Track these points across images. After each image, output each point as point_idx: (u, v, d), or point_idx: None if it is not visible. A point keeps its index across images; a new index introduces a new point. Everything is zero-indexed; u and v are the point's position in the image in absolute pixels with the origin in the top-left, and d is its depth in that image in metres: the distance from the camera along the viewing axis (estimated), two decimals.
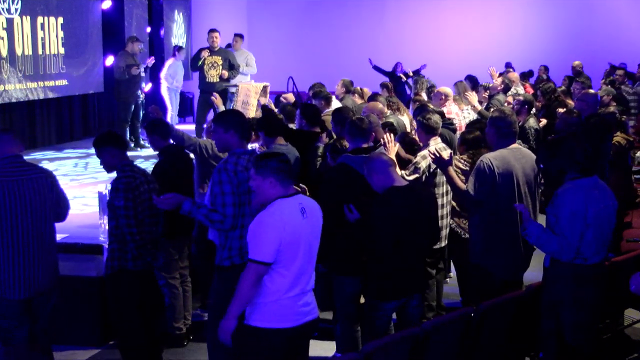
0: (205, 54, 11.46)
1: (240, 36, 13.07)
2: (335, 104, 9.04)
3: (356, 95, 9.90)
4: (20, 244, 4.80)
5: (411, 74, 14.30)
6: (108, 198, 5.14)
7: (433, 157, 5.41)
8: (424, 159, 5.97)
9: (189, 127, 12.65)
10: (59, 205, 5.08)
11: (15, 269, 4.80)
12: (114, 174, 5.16)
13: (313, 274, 4.21)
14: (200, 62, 11.49)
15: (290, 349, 4.11)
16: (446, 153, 5.56)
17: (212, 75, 11.52)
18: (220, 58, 11.58)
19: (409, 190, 4.91)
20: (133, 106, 12.16)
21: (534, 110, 9.45)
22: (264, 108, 8.54)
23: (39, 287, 4.91)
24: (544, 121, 9.18)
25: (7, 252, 4.78)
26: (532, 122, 8.37)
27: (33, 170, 4.97)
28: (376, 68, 15.20)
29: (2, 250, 4.78)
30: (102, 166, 5.21)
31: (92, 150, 5.32)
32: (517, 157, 5.27)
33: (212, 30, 11.86)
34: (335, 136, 6.41)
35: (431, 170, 5.96)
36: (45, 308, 5.08)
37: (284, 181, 4.06)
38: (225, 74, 11.49)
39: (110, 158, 5.11)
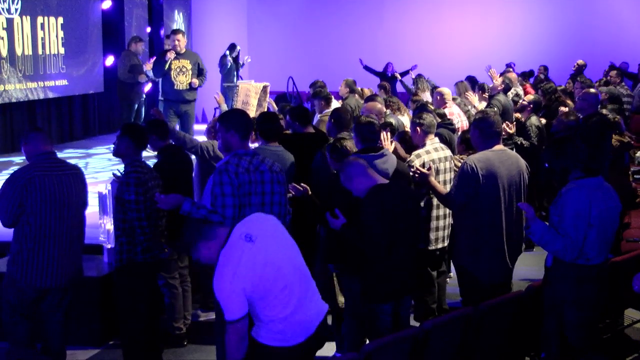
0: (171, 55, 10.25)
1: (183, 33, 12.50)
2: (335, 104, 9.03)
3: (357, 95, 9.92)
4: (50, 235, 4.94)
5: (411, 74, 14.29)
6: (117, 192, 5.25)
7: (415, 174, 5.45)
8: (417, 158, 5.96)
9: None
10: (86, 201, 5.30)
11: (39, 258, 4.94)
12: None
13: (311, 283, 4.02)
14: (167, 66, 10.23)
15: None
16: (421, 164, 5.70)
17: (182, 82, 10.31)
18: (188, 62, 10.37)
19: (394, 187, 4.85)
20: (136, 106, 12.08)
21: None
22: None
23: (56, 279, 5.03)
24: (543, 121, 9.20)
25: (36, 240, 4.92)
26: (534, 119, 8.41)
27: (68, 166, 5.17)
28: (367, 68, 15.14)
29: (32, 239, 4.91)
30: (113, 147, 5.37)
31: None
32: (502, 159, 5.23)
33: (175, 32, 10.65)
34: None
35: (425, 168, 5.96)
36: (60, 304, 5.18)
37: (212, 229, 3.87)
38: (196, 82, 10.33)
39: (125, 149, 5.25)
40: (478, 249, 5.18)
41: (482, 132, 5.28)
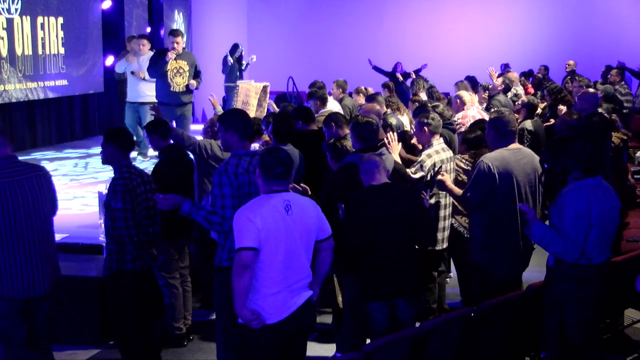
0: (172, 55, 9.81)
1: (148, 38, 11.73)
2: (332, 104, 9.04)
3: (360, 94, 9.94)
4: (24, 243, 4.80)
5: (413, 75, 14.29)
6: (105, 199, 5.13)
7: (439, 180, 5.57)
8: (429, 158, 5.98)
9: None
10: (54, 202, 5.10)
11: (19, 268, 4.81)
12: (111, 174, 5.17)
13: (306, 273, 4.19)
14: (166, 67, 9.79)
15: (283, 347, 4.13)
16: (432, 164, 5.83)
17: (178, 84, 9.90)
18: (186, 63, 9.96)
19: (384, 188, 4.86)
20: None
21: (538, 112, 9.45)
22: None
23: (41, 286, 4.91)
24: (551, 121, 9.16)
25: (12, 251, 4.79)
26: (527, 124, 8.39)
27: (31, 169, 4.95)
28: (376, 68, 15.21)
29: (7, 250, 4.78)
30: (100, 155, 5.24)
31: (92, 150, 5.36)
32: (518, 157, 5.28)
33: (175, 33, 10.10)
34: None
35: (436, 168, 5.98)
36: (42, 308, 5.06)
37: (267, 178, 4.14)
38: (194, 83, 9.96)
39: (111, 154, 5.13)
40: (494, 245, 5.24)
41: (498, 131, 5.33)
